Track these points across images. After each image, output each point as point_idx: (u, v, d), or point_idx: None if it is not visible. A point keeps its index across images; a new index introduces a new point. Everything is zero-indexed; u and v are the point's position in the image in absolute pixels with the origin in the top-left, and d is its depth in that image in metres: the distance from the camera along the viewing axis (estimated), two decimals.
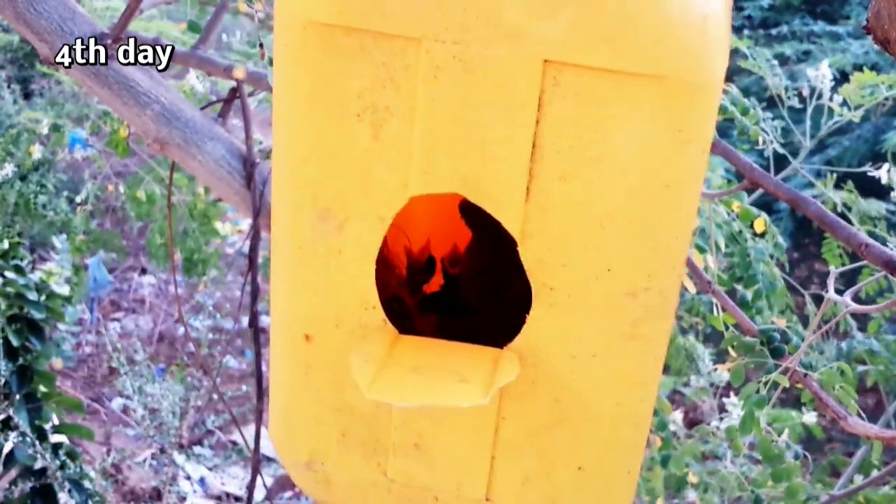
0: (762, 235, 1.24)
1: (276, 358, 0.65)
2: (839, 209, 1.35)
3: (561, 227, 0.54)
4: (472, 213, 0.79)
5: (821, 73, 1.13)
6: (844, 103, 1.15)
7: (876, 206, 1.38)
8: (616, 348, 0.57)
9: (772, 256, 1.26)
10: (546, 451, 0.60)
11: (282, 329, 0.63)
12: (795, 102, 1.18)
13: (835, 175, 1.29)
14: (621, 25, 0.49)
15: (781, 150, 1.16)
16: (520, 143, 0.52)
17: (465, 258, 0.85)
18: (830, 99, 1.14)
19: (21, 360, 1.92)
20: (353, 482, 0.65)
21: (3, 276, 1.91)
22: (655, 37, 0.49)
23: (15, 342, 1.89)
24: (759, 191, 1.07)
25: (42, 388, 2.00)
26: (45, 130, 2.44)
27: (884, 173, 1.21)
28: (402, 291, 0.80)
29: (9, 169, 2.63)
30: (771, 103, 1.23)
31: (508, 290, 0.67)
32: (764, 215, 1.23)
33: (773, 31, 3.71)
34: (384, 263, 0.60)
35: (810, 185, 1.33)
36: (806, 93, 1.16)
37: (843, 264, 1.45)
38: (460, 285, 0.85)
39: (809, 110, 1.15)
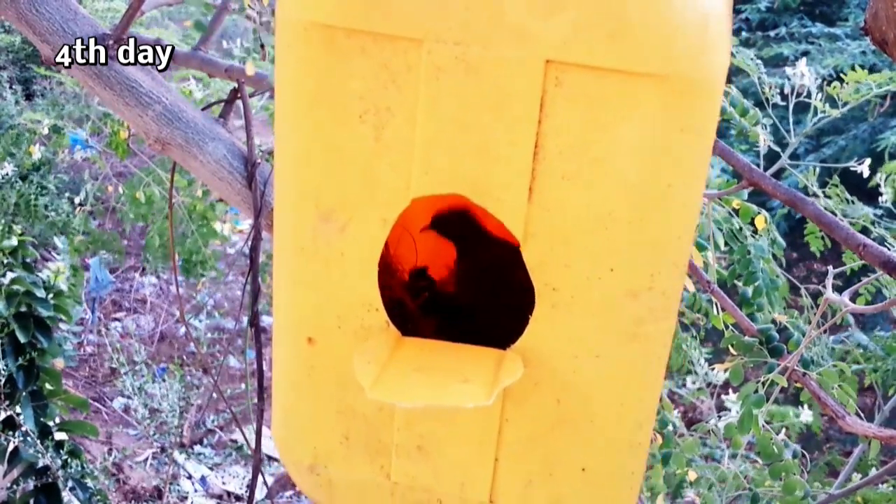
0: (757, 232, 1.24)
1: (278, 361, 0.65)
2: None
3: (563, 228, 0.54)
4: (447, 226, 0.79)
5: (798, 72, 1.14)
6: (831, 100, 1.17)
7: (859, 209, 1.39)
8: (619, 349, 0.57)
9: (774, 257, 1.26)
10: (549, 453, 0.60)
11: (284, 331, 0.63)
12: (782, 102, 1.20)
13: (817, 170, 1.31)
14: (623, 24, 0.49)
15: (777, 149, 1.17)
16: (522, 144, 0.52)
17: (433, 275, 0.85)
18: (813, 96, 1.16)
19: (27, 357, 1.92)
20: (355, 485, 0.64)
21: (13, 272, 1.91)
22: (657, 36, 0.49)
23: (22, 338, 1.88)
24: (753, 189, 1.08)
25: (48, 386, 2.00)
26: (45, 131, 2.45)
27: (865, 168, 1.22)
28: (405, 295, 0.80)
29: (9, 168, 2.64)
30: (762, 104, 1.24)
31: (510, 291, 0.67)
32: (764, 212, 1.24)
33: (772, 33, 3.72)
34: (386, 268, 0.60)
35: (798, 183, 1.34)
36: (787, 91, 1.17)
37: (826, 247, 1.47)
38: (461, 288, 0.85)
39: (791, 107, 1.16)
